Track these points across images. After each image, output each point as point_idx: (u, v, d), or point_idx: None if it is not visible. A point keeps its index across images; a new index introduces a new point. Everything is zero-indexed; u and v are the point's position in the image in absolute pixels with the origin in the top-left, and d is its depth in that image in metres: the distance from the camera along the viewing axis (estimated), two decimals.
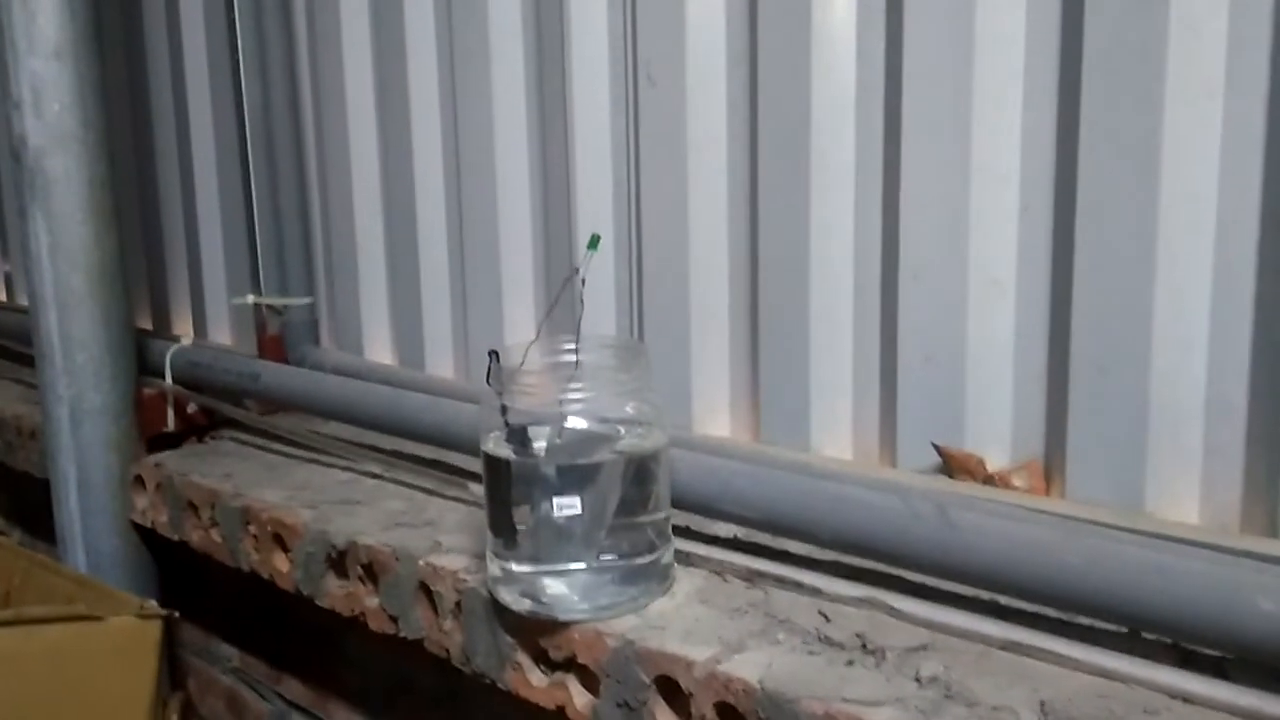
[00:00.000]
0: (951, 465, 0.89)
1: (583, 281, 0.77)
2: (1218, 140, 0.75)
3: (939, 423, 0.90)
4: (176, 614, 1.14)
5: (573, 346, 0.81)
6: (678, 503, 0.84)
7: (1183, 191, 0.77)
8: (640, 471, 0.78)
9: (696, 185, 1.03)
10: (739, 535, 0.90)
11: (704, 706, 0.71)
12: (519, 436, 0.77)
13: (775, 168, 0.97)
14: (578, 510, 0.76)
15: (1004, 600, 0.74)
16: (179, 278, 1.70)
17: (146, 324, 1.77)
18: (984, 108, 0.85)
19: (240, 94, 1.47)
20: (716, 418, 1.06)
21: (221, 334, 1.64)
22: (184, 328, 1.71)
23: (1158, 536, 0.74)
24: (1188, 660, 0.66)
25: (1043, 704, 0.64)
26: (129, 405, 1.29)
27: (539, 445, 0.77)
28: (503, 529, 0.79)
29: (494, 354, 0.78)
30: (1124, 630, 0.69)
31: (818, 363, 0.97)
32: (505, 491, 0.78)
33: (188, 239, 1.66)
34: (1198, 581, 0.63)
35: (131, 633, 1.09)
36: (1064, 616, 0.72)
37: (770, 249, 0.99)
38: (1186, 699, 0.63)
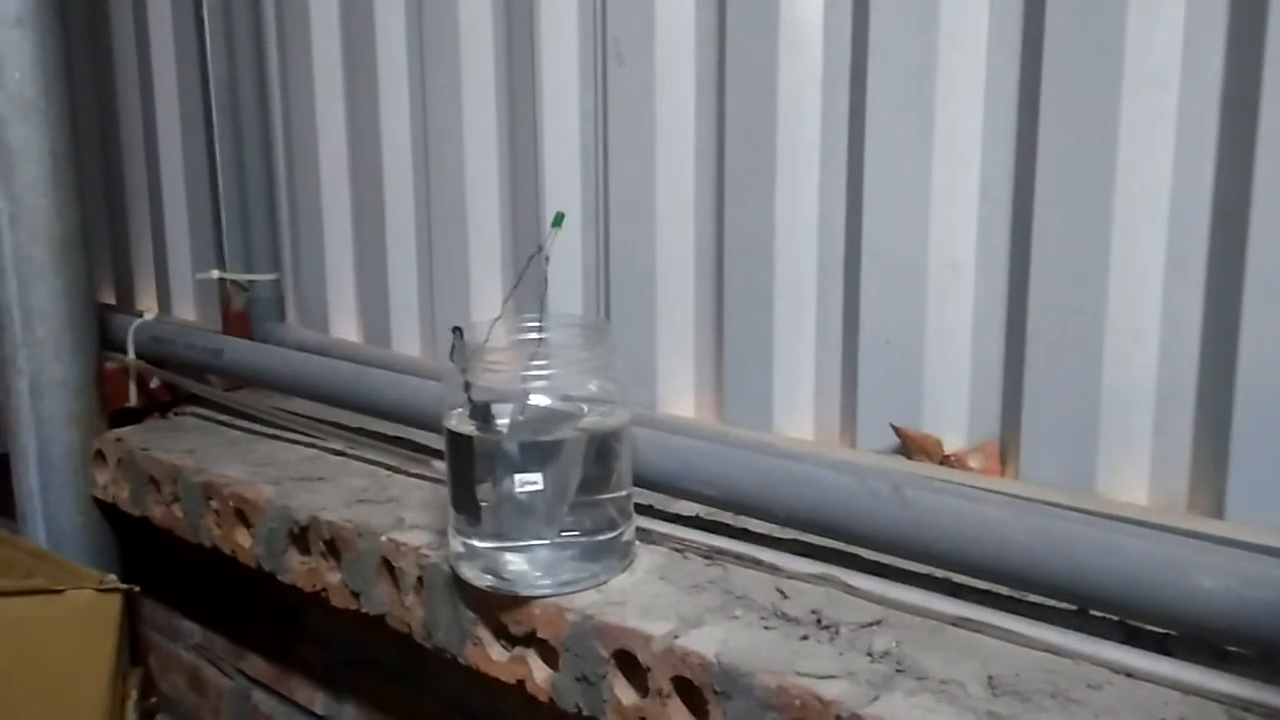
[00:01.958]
0: (909, 446, 0.91)
1: (546, 259, 0.77)
2: (1172, 131, 0.77)
3: (898, 404, 0.92)
4: (137, 589, 1.14)
5: (537, 324, 0.82)
6: (640, 480, 0.85)
7: (1137, 180, 0.78)
8: (603, 449, 0.79)
9: (664, 164, 1.03)
10: (700, 514, 0.91)
11: (661, 680, 0.72)
12: (482, 413, 0.78)
13: (742, 148, 0.98)
14: (540, 487, 0.76)
15: (957, 578, 0.76)
16: (143, 252, 1.69)
17: (110, 299, 1.75)
18: (947, 92, 0.86)
19: (206, 66, 1.45)
20: (681, 398, 1.07)
21: (186, 310, 1.63)
22: (148, 303, 1.70)
23: (1107, 516, 0.76)
24: (1132, 637, 0.67)
25: (990, 678, 0.65)
26: (90, 379, 1.28)
27: (502, 422, 0.78)
28: (465, 505, 0.79)
29: (457, 330, 0.78)
30: (1073, 608, 0.71)
31: (781, 343, 0.98)
32: (468, 468, 0.78)
33: (152, 213, 1.64)
34: (1143, 560, 0.65)
35: (91, 607, 1.09)
36: (1014, 594, 0.73)
37: (736, 229, 1.00)
38: (1130, 674, 0.65)
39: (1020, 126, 0.84)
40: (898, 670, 0.67)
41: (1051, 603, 0.71)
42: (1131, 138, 0.77)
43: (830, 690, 0.64)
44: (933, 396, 0.90)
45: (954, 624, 0.72)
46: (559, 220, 0.77)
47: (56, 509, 1.28)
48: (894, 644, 0.69)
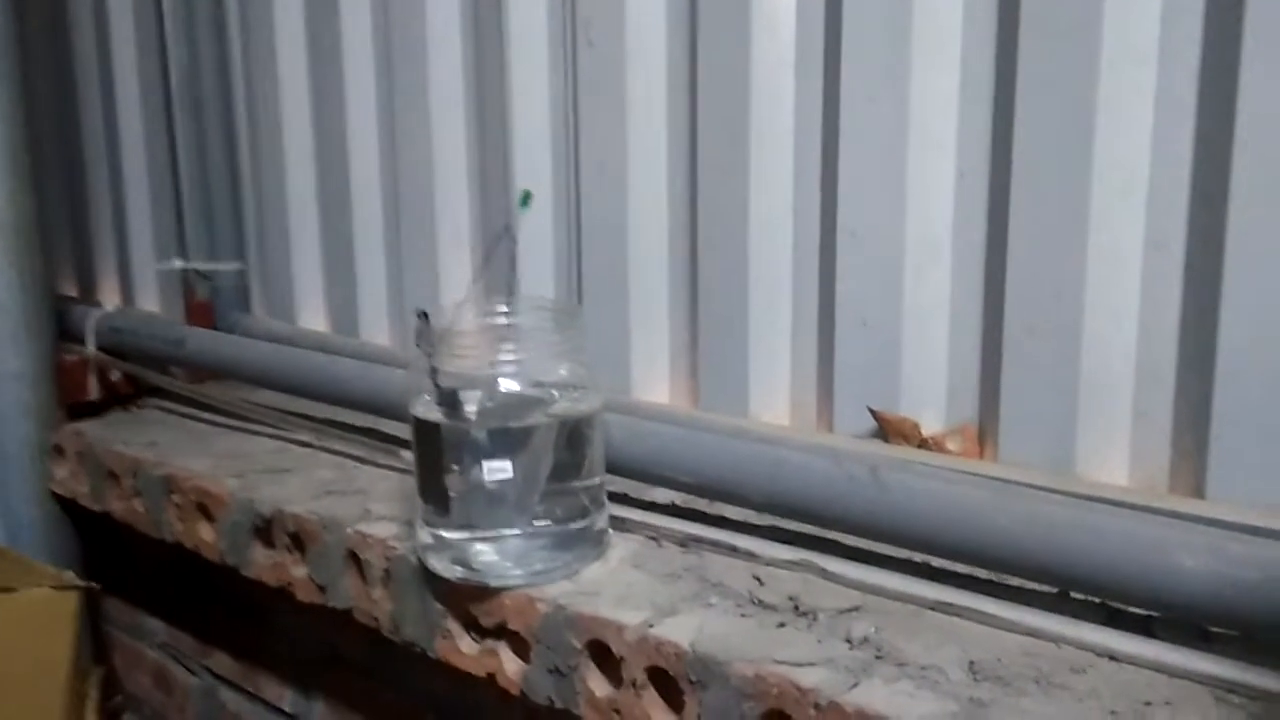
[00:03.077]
0: (887, 429, 0.89)
1: (514, 241, 0.75)
2: (1150, 109, 0.76)
3: (875, 387, 0.90)
4: (96, 586, 1.11)
5: (506, 307, 0.80)
6: (613, 468, 0.83)
7: (1116, 159, 0.77)
8: (574, 436, 0.77)
9: (636, 146, 1.01)
10: (676, 501, 0.89)
11: (635, 670, 0.70)
12: (449, 399, 0.76)
13: (715, 129, 0.96)
14: (510, 475, 0.74)
15: (936, 562, 0.75)
16: (105, 244, 1.65)
17: (72, 292, 1.71)
18: (922, 71, 0.84)
19: (166, 53, 1.42)
20: (656, 384, 1.06)
21: (149, 302, 1.60)
22: (110, 296, 1.66)
23: (1088, 498, 0.75)
24: (1114, 619, 0.66)
25: (971, 663, 0.64)
26: (48, 371, 1.25)
27: (470, 409, 0.76)
28: (433, 495, 0.77)
29: (423, 314, 0.76)
30: (1053, 590, 0.70)
31: (756, 327, 0.97)
32: (436, 456, 0.76)
33: (114, 204, 1.61)
34: (1125, 541, 0.64)
35: (47, 605, 1.06)
36: (994, 577, 0.72)
37: (710, 211, 0.98)
38: (1113, 657, 0.64)
39: (996, 104, 0.82)
40: (877, 657, 0.65)
41: (1032, 585, 0.70)
42: (1109, 115, 0.76)
43: (808, 678, 0.63)
44: (910, 379, 0.89)
45: (933, 609, 0.71)
46: (526, 200, 0.75)
47: (14, 505, 1.25)
48: (873, 630, 0.68)
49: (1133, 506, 0.72)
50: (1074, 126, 0.77)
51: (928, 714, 0.59)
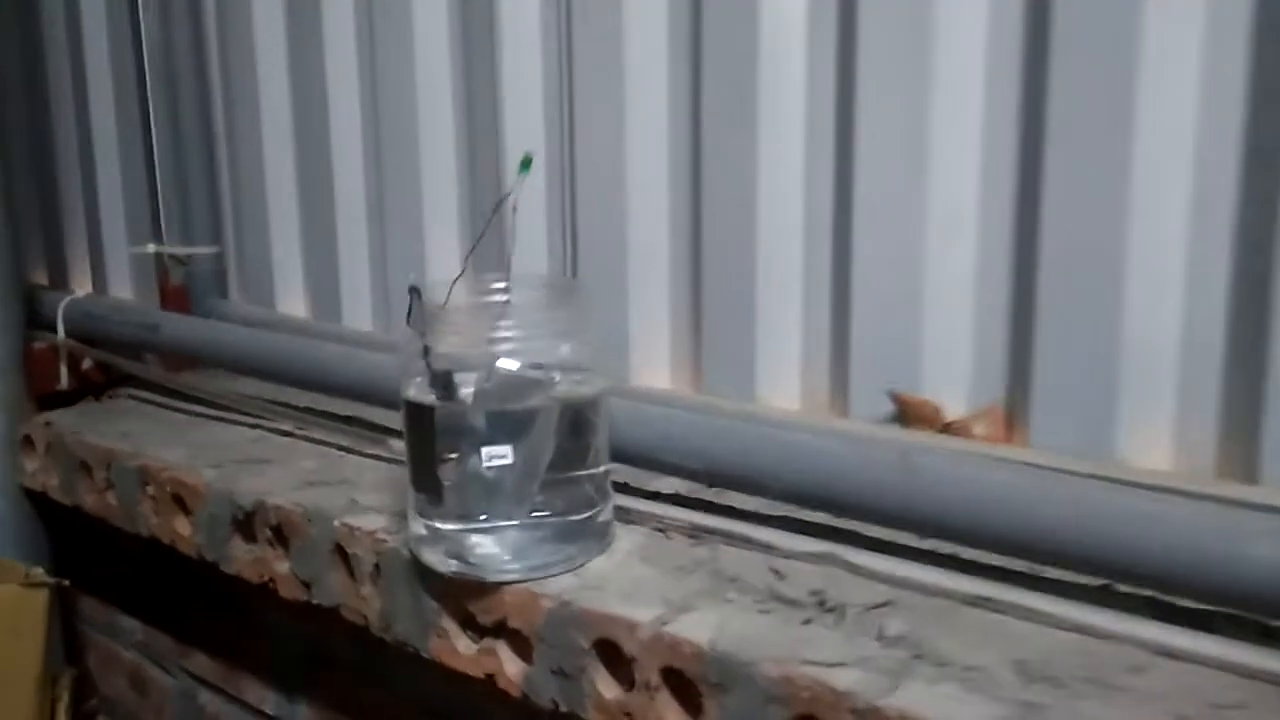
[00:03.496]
0: (907, 413, 0.84)
1: (514, 209, 0.69)
2: (1197, 64, 0.70)
3: (893, 368, 0.85)
4: (66, 582, 1.05)
5: (503, 283, 0.74)
6: (615, 455, 0.77)
7: (1161, 116, 0.71)
8: (577, 420, 0.72)
9: (634, 113, 0.96)
10: (681, 490, 0.83)
11: (649, 672, 0.65)
12: (443, 381, 0.70)
13: (719, 92, 0.91)
14: (509, 460, 0.69)
15: (966, 554, 0.69)
16: (76, 229, 1.58)
17: (42, 280, 1.64)
18: (947, 21, 0.79)
19: (138, 25, 1.36)
20: (656, 368, 1.00)
21: (123, 289, 1.53)
22: (82, 283, 1.59)
23: (1130, 484, 0.70)
24: (1169, 614, 0.61)
25: (1019, 663, 0.59)
26: (16, 361, 1.20)
27: (466, 391, 0.70)
28: (426, 483, 0.71)
29: (415, 290, 0.70)
30: (1097, 584, 0.65)
31: (764, 305, 0.91)
32: (429, 442, 0.70)
33: (84, 188, 1.54)
34: (1185, 528, 0.59)
35: (15, 603, 1.00)
36: (1031, 570, 0.67)
37: (714, 183, 0.92)
38: (1171, 654, 0.58)
39: (1028, 60, 0.77)
40: (915, 656, 0.60)
41: (1073, 578, 0.65)
42: (1153, 66, 0.70)
43: (843, 679, 0.57)
44: (932, 359, 0.84)
45: (970, 604, 0.66)
46: (526, 164, 0.69)
47: None
48: (907, 627, 0.63)
49: (1180, 493, 0.67)
50: (1115, 80, 0.72)
51: (979, 719, 0.54)
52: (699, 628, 0.64)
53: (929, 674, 0.58)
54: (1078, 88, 0.74)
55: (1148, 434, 0.74)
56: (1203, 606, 0.61)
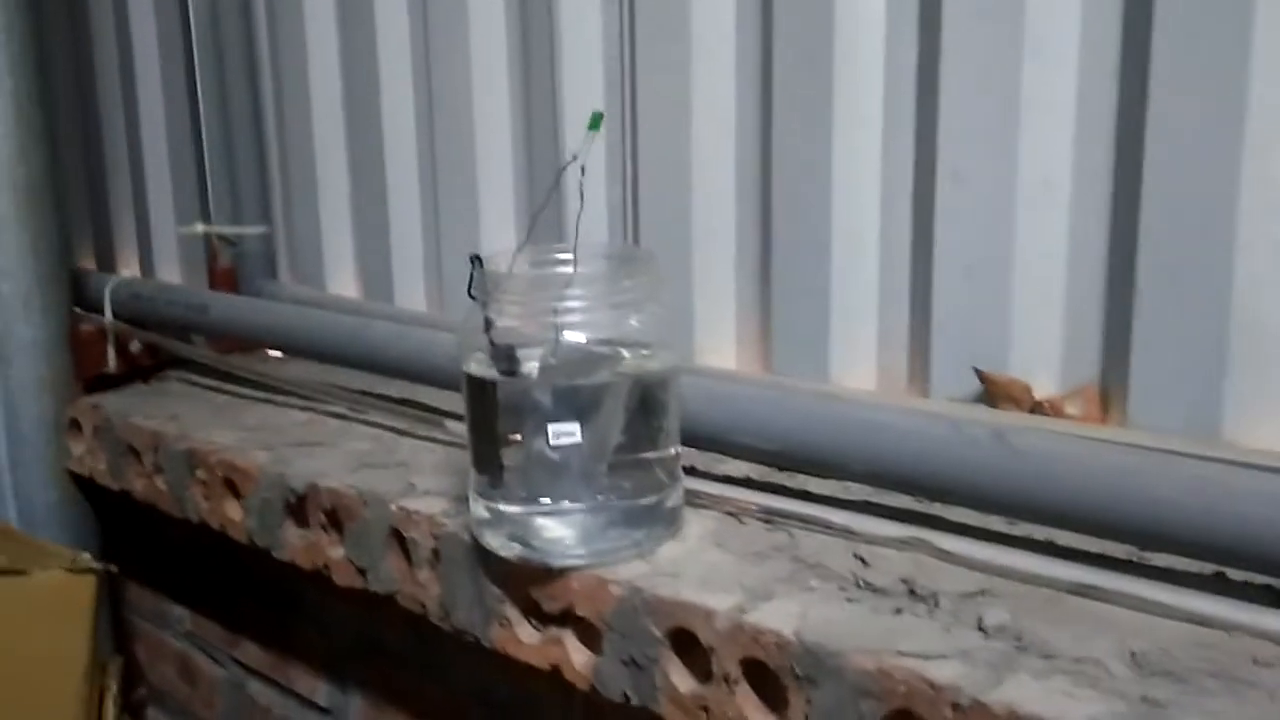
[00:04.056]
0: (994, 392, 0.79)
1: (582, 170, 0.65)
2: None
3: (979, 345, 0.80)
4: (114, 568, 1.02)
5: (568, 253, 0.70)
6: (683, 436, 0.73)
7: (1275, 67, 0.66)
8: (647, 397, 0.68)
9: (700, 78, 0.91)
10: (752, 474, 0.79)
11: (728, 663, 0.61)
12: (506, 355, 0.66)
13: (791, 54, 0.86)
14: (577, 439, 0.65)
15: (1062, 539, 0.65)
16: (123, 211, 1.57)
17: (89, 264, 1.63)
18: None
19: (186, 2, 1.34)
20: (721, 346, 0.96)
21: (170, 272, 1.51)
22: (130, 265, 1.58)
23: (1241, 464, 0.65)
24: None
25: (1134, 654, 0.54)
26: (63, 342, 1.17)
27: (530, 365, 0.66)
28: (488, 464, 0.68)
29: (476, 259, 0.67)
30: (1209, 570, 0.60)
31: (839, 280, 0.87)
32: (491, 420, 0.67)
33: (132, 166, 1.53)
34: None
35: (61, 589, 0.97)
36: (1135, 556, 0.62)
37: (785, 150, 0.88)
38: None
39: (1128, 11, 0.72)
40: (1018, 648, 0.56)
41: (1181, 566, 0.60)
42: (1274, 7, 0.65)
43: (942, 672, 0.53)
44: (1021, 335, 0.79)
45: (1073, 592, 0.61)
46: (597, 121, 0.65)
47: (29, 485, 1.17)
48: (1008, 616, 0.58)
49: None
50: (1223, 30, 0.67)
51: (1094, 715, 0.49)
52: (781, 617, 0.60)
53: (1036, 667, 0.54)
54: (1182, 38, 0.68)
55: (1260, 411, 0.69)
56: None
